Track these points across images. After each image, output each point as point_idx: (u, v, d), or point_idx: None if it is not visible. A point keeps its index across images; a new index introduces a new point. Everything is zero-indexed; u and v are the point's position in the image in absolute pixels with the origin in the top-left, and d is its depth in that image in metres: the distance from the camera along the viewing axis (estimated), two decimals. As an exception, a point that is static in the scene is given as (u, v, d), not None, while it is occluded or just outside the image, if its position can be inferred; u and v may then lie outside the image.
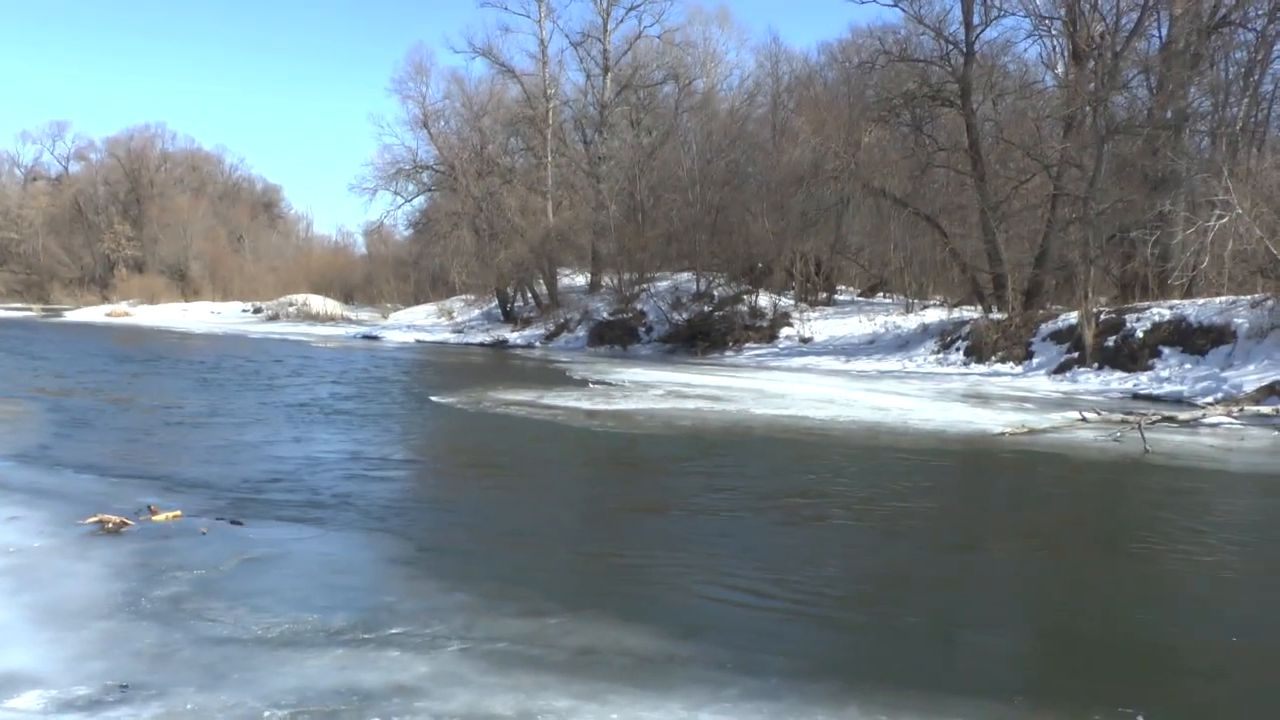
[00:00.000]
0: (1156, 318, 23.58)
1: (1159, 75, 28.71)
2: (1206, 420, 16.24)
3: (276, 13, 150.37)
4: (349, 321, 56.97)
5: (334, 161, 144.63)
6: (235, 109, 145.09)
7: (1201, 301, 23.79)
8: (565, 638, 5.55)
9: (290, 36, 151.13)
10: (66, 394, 18.16)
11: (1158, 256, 26.75)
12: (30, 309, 71.15)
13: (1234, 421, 16.17)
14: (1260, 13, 28.60)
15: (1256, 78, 29.57)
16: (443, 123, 51.71)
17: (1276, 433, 15.20)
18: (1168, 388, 20.76)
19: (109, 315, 63.85)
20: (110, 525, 7.70)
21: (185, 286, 78.71)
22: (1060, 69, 32.75)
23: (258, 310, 64.29)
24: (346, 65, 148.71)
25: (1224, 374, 20.39)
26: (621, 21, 49.23)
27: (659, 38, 49.93)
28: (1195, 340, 22.35)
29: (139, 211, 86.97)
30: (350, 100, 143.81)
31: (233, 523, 8.01)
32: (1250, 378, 19.45)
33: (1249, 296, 22.47)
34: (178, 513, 8.17)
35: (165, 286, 77.08)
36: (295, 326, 54.69)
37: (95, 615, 5.71)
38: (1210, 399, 18.77)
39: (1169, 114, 28.41)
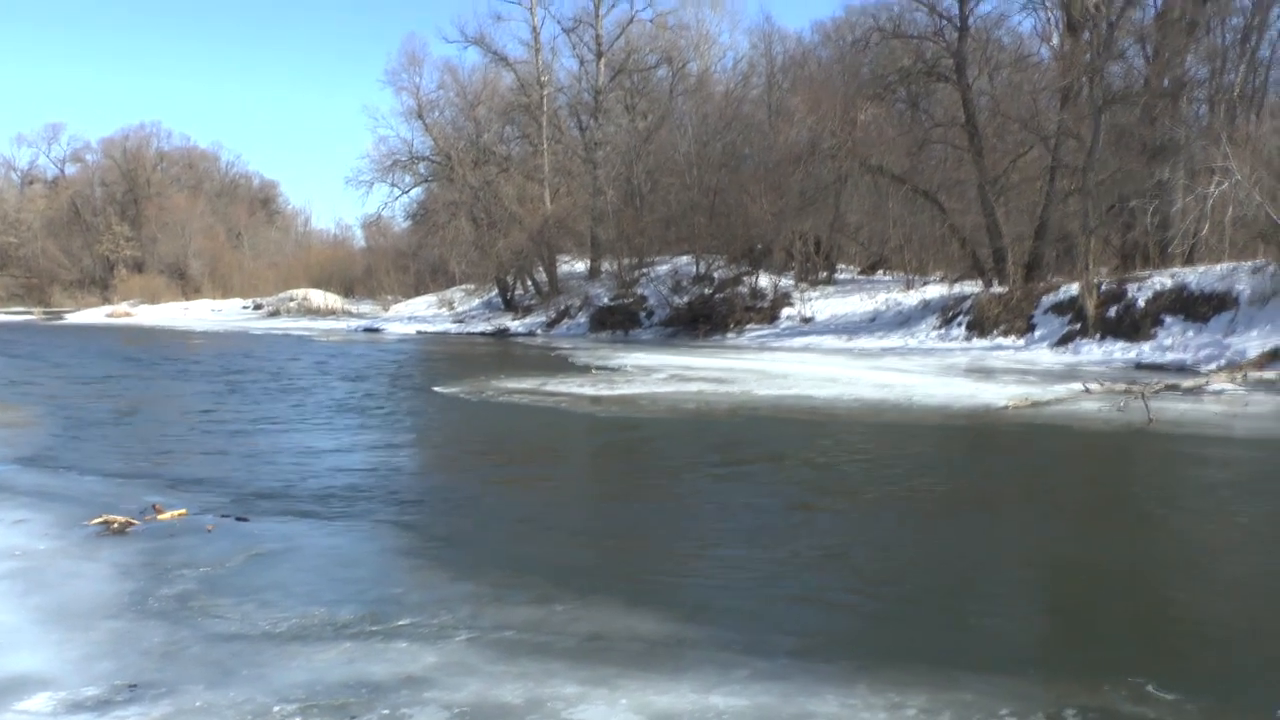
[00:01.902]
0: (1158, 286, 23.56)
1: (1155, 44, 28.60)
2: (1210, 387, 16.24)
3: (267, 7, 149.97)
4: (350, 315, 56.97)
5: (330, 155, 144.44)
6: (230, 105, 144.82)
7: (1203, 269, 23.75)
8: (573, 624, 5.54)
9: (282, 30, 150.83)
10: (69, 396, 18.16)
11: (1158, 225, 26.69)
12: (31, 312, 71.14)
13: (1238, 388, 16.17)
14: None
15: (1253, 43, 29.42)
16: (437, 113, 51.59)
17: (1279, 398, 15.18)
18: (1171, 356, 20.76)
19: (110, 316, 63.84)
20: (116, 525, 7.70)
21: (185, 285, 78.68)
22: (1055, 41, 32.61)
23: (258, 306, 64.27)
24: (339, 58, 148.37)
25: (1226, 340, 20.39)
26: (614, 6, 49.17)
27: (651, 21, 49.82)
28: (1197, 308, 22.34)
29: (137, 211, 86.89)
30: (344, 93, 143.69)
31: (238, 519, 8.01)
32: (1253, 343, 19.45)
33: (1250, 262, 22.45)
34: (183, 511, 8.17)
35: (165, 286, 77.05)
36: (296, 322, 54.70)
37: (103, 615, 5.71)
38: (1213, 366, 18.77)
39: (1166, 82, 28.31)
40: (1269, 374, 16.94)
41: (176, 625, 5.54)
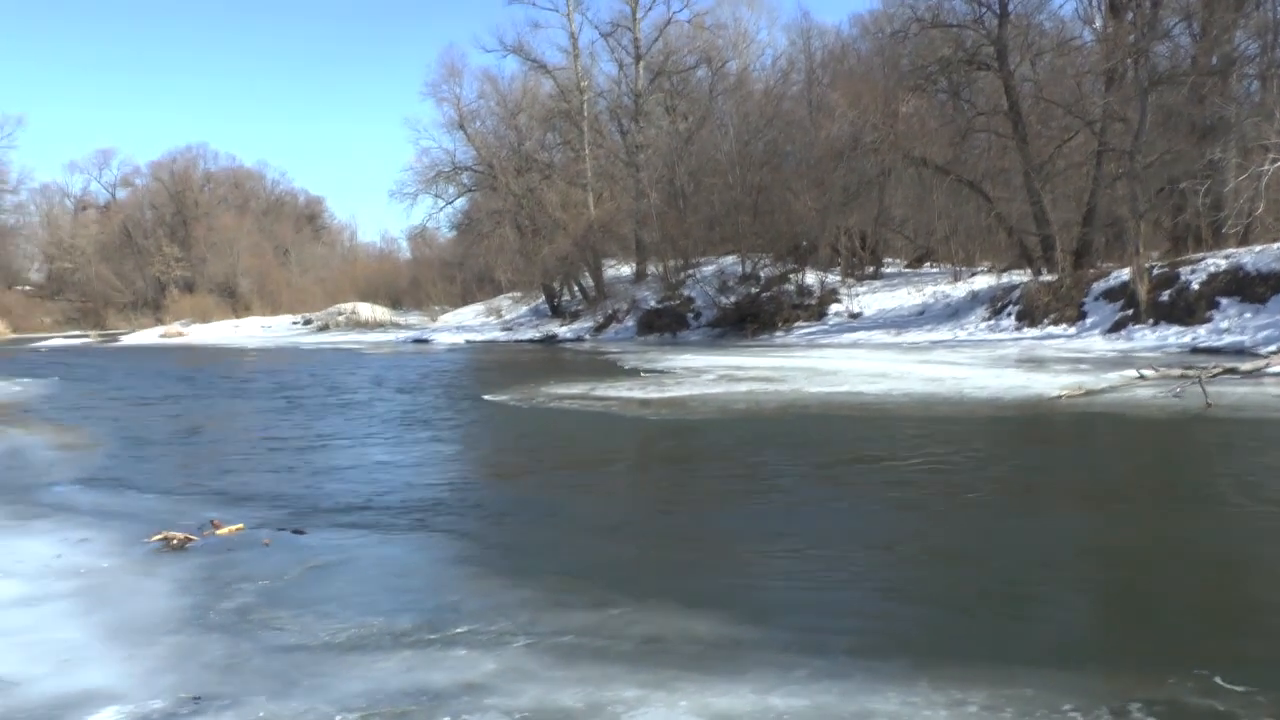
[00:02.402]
0: (1212, 268, 23.20)
1: (1202, 21, 28.16)
2: (1271, 370, 15.94)
3: (306, 24, 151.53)
4: (398, 326, 57.38)
5: (374, 168, 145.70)
6: (274, 123, 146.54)
7: (1259, 248, 23.36)
8: (631, 628, 5.53)
9: (322, 46, 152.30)
10: (126, 416, 18.42)
11: (1210, 206, 26.27)
12: (87, 335, 72.20)
13: (1299, 369, 15.87)
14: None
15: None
16: (479, 123, 51.90)
17: (1343, 378, 14.88)
18: (1228, 339, 20.45)
19: (163, 336, 64.70)
20: (175, 542, 7.80)
21: (235, 303, 79.68)
22: (1098, 23, 32.21)
23: (308, 322, 64.88)
24: (380, 71, 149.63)
25: (1286, 321, 20.03)
26: (650, 9, 49.21)
27: (689, 22, 49.84)
28: (1254, 288, 21.98)
29: (186, 233, 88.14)
30: (386, 106, 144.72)
31: (295, 532, 8.08)
32: (1314, 323, 19.09)
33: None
34: (240, 526, 8.25)
35: (216, 304, 78.07)
36: (345, 335, 55.18)
37: (165, 630, 5.78)
38: (1273, 348, 18.42)
39: (1214, 60, 27.87)
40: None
41: (237, 638, 5.59)
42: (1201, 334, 21.55)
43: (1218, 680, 4.50)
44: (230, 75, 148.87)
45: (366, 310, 62.90)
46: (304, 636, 5.59)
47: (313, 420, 16.40)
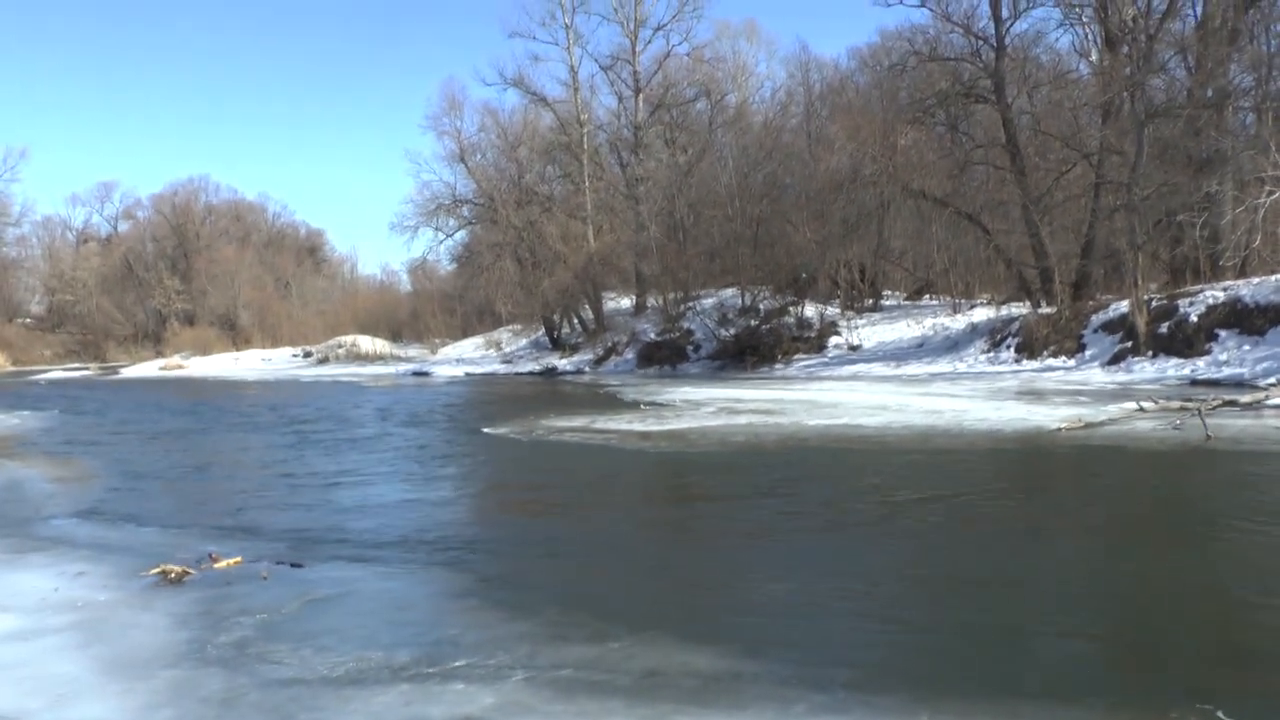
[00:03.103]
0: (1210, 300, 23.24)
1: (1197, 54, 28.33)
2: (1270, 402, 15.94)
3: (306, 58, 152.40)
4: (398, 359, 57.38)
5: (375, 201, 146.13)
6: (275, 157, 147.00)
7: (1256, 281, 23.41)
8: (629, 661, 5.51)
9: (322, 80, 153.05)
10: (124, 449, 18.40)
11: (1207, 238, 26.36)
12: (88, 367, 72.24)
13: (1298, 401, 15.86)
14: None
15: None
16: (479, 155, 52.17)
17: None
18: (1227, 371, 20.46)
19: (163, 369, 64.69)
20: (173, 575, 7.77)
21: (236, 335, 79.74)
22: (1094, 56, 32.43)
23: (308, 354, 64.89)
24: (380, 105, 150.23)
25: (1285, 353, 20.05)
26: (649, 42, 49.59)
27: (688, 55, 50.25)
28: (1253, 320, 22.01)
29: (187, 265, 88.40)
30: (386, 139, 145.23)
31: (293, 566, 8.05)
32: (1313, 355, 19.11)
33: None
34: (238, 559, 8.22)
35: (216, 337, 78.14)
36: (345, 368, 55.18)
37: (162, 664, 5.75)
38: (1273, 380, 18.43)
39: (1210, 93, 28.02)
40: (1329, 385, 16.62)
41: (234, 672, 5.57)
42: (1200, 366, 21.57)
43: (1220, 715, 4.47)
44: (231, 108, 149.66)
45: (366, 343, 62.92)
46: (302, 670, 5.57)
47: (311, 453, 16.37)
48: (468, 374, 44.19)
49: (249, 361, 66.78)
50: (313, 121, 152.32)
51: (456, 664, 5.55)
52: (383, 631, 6.30)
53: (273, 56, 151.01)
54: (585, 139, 49.24)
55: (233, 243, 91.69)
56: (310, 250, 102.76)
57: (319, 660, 5.71)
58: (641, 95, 49.48)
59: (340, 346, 63.12)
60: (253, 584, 7.55)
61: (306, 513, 10.72)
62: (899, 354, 30.83)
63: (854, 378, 27.63)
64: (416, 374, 46.13)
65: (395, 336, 66.37)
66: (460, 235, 55.37)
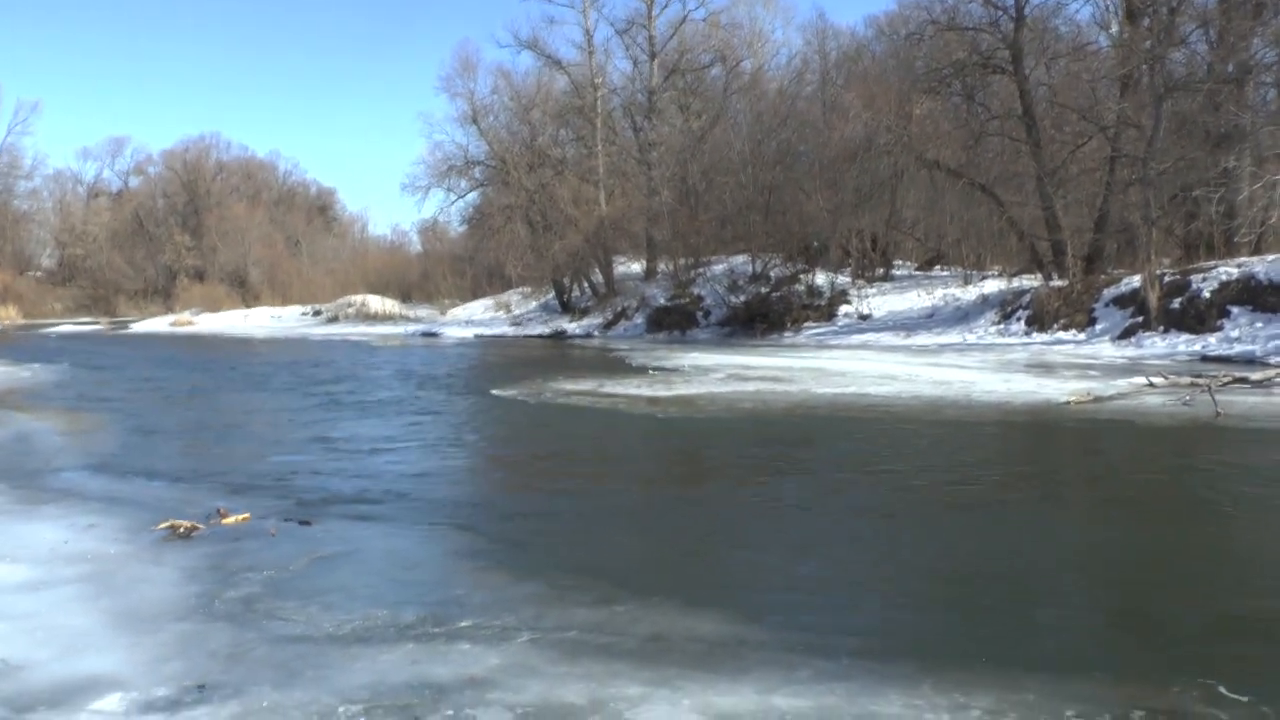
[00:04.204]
0: (1224, 277, 23.12)
1: (1219, 28, 28.02)
2: (1280, 380, 15.88)
3: (320, 16, 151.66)
4: (407, 320, 57.36)
5: (386, 161, 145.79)
6: (286, 114, 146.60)
7: (1271, 258, 23.27)
8: (635, 625, 5.54)
9: (336, 38, 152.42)
10: (135, 403, 18.47)
11: (1223, 214, 26.16)
12: (98, 322, 72.37)
13: (1309, 380, 15.80)
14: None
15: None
16: (492, 117, 51.81)
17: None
18: (1238, 348, 20.37)
19: (173, 325, 64.79)
20: (182, 530, 7.81)
21: (245, 293, 79.78)
22: (1114, 29, 32.10)
23: (317, 313, 64.89)
24: (392, 64, 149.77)
25: (1297, 331, 19.97)
26: (666, 7, 49.17)
27: (704, 20, 49.82)
28: (1266, 298, 21.90)
29: (197, 221, 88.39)
30: (399, 99, 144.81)
31: (301, 523, 8.09)
32: (1325, 334, 19.02)
33: (1320, 251, 21.93)
34: (246, 515, 8.27)
35: (226, 294, 78.18)
36: (355, 327, 55.21)
37: (171, 618, 5.79)
38: (1283, 358, 18.36)
39: (1230, 67, 27.74)
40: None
41: (242, 627, 5.61)
42: (1212, 342, 21.48)
43: (1222, 689, 4.49)
44: (243, 64, 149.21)
45: (376, 303, 62.89)
46: (308, 627, 5.60)
47: (320, 411, 16.42)
48: (477, 336, 44.19)
49: (258, 319, 66.82)
50: (326, 81, 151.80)
51: (462, 624, 5.58)
52: (389, 590, 6.34)
53: (287, 14, 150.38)
54: (599, 103, 48.96)
55: (243, 200, 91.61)
56: (321, 209, 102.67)
57: (325, 617, 5.74)
58: (656, 60, 49.13)
59: (350, 306, 63.09)
60: (261, 540, 7.60)
61: (315, 471, 10.76)
62: (909, 324, 30.76)
63: (863, 346, 27.58)
64: (425, 335, 46.13)
65: (405, 297, 66.31)
66: (471, 197, 55.17)
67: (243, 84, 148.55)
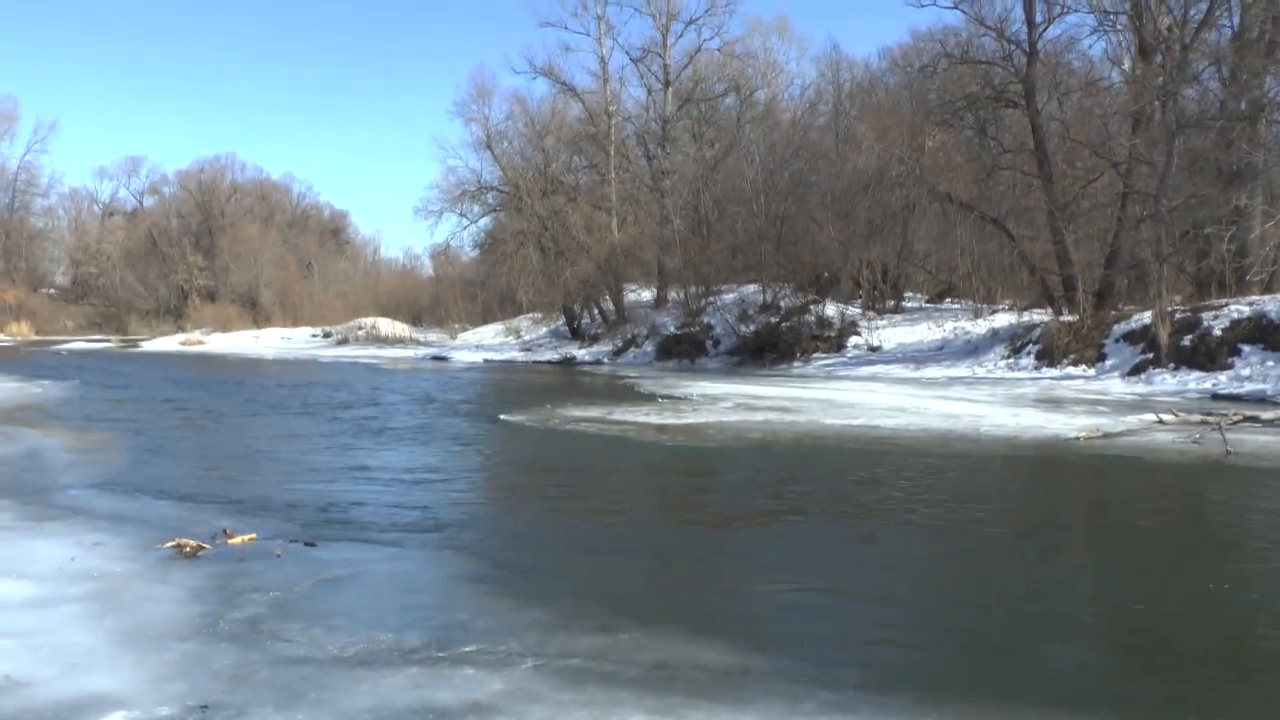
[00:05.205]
0: (1235, 315, 23.06)
1: (1232, 66, 28.06)
2: (1291, 419, 15.83)
3: (338, 40, 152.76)
4: (417, 343, 57.50)
5: (400, 185, 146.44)
6: (301, 137, 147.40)
7: (1283, 296, 23.22)
8: (639, 653, 5.52)
9: (352, 63, 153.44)
10: (143, 421, 18.52)
11: (1235, 252, 26.14)
12: (109, 340, 72.72)
13: (1320, 419, 15.75)
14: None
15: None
16: (506, 143, 52.11)
17: (1365, 429, 14.78)
18: (1249, 386, 20.30)
19: (183, 344, 65.05)
20: (188, 549, 7.82)
21: (257, 314, 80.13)
22: (1127, 64, 32.18)
23: (327, 335, 65.09)
24: (408, 89, 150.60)
25: (1308, 371, 19.91)
26: (681, 36, 49.48)
27: (719, 50, 50.07)
28: (1277, 336, 21.84)
29: (211, 242, 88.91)
30: (414, 123, 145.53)
31: (306, 544, 8.09)
32: (1336, 374, 18.97)
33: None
34: (253, 536, 8.27)
35: (237, 314, 78.52)
36: (364, 350, 55.33)
37: (175, 637, 5.79)
38: (1294, 397, 18.30)
39: (1243, 105, 27.77)
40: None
41: (246, 648, 5.60)
42: (1222, 380, 21.41)
43: (1229, 729, 4.47)
44: (260, 86, 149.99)
45: (386, 325, 63.08)
46: (312, 649, 5.60)
47: (328, 433, 16.45)
48: (486, 360, 44.24)
49: (269, 340, 67.04)
50: (342, 104, 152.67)
51: (466, 649, 5.57)
52: (393, 614, 6.33)
53: (304, 37, 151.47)
54: (613, 130, 49.19)
55: (257, 221, 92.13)
56: (334, 232, 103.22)
57: (329, 640, 5.74)
58: (671, 88, 49.38)
59: (360, 328, 63.29)
60: (266, 561, 7.60)
61: (321, 493, 10.77)
62: (918, 356, 30.71)
63: (872, 378, 27.55)
64: (435, 358, 46.22)
65: (416, 320, 66.50)
66: (484, 222, 55.42)
67: (259, 105, 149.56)
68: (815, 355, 33.74)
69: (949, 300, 39.15)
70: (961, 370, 27.79)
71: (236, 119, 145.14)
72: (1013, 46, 31.38)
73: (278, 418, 19.38)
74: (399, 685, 5.05)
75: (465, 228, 57.16)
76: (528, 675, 5.18)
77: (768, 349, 34.94)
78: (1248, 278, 25.83)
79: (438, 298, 68.03)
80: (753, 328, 36.71)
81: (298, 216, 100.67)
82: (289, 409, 21.05)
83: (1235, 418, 15.34)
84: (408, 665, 5.33)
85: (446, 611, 6.44)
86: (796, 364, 33.30)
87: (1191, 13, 28.44)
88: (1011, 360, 27.59)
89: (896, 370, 29.06)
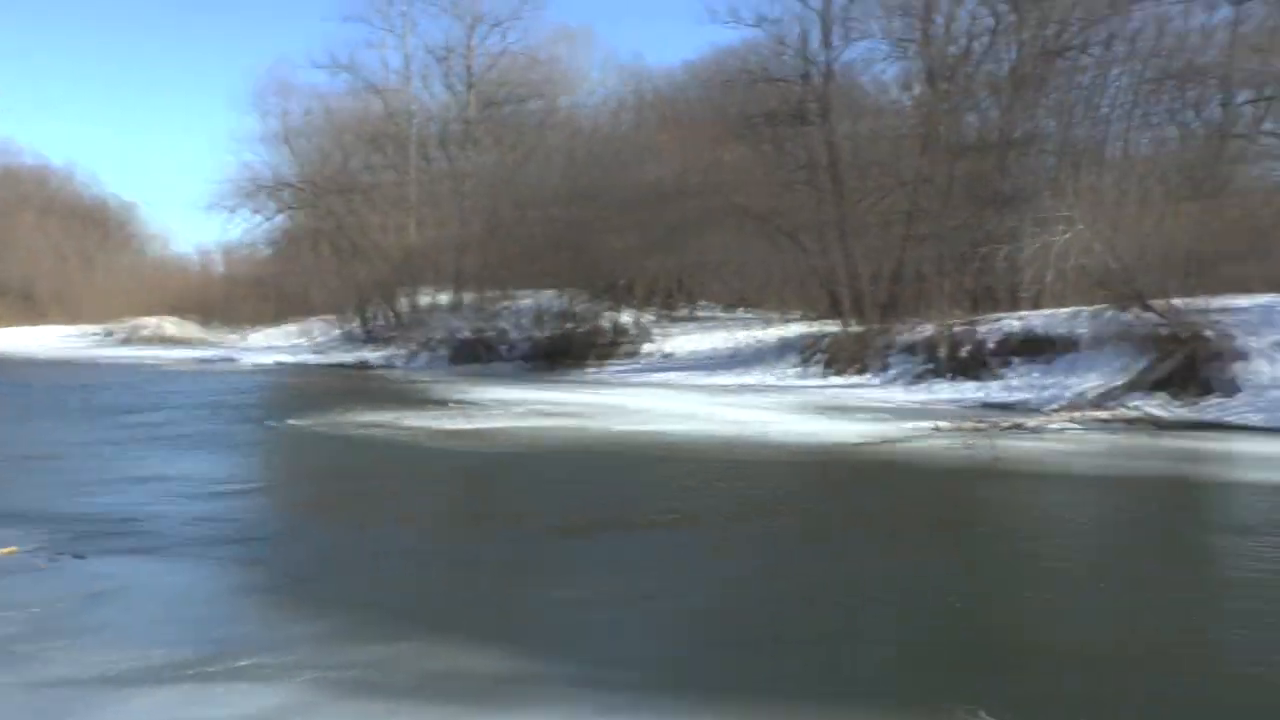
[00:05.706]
0: (1007, 329, 24.43)
1: (1008, 97, 29.73)
2: (1051, 426, 16.91)
3: (125, 25, 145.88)
4: (206, 343, 55.39)
5: (194, 179, 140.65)
6: (86, 126, 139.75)
7: (1048, 313, 24.70)
8: (421, 661, 5.49)
9: (142, 49, 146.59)
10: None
11: (1008, 270, 27.65)
12: None
13: (1077, 427, 16.88)
14: (1098, 40, 29.85)
15: (1097, 101, 30.81)
16: (303, 139, 50.76)
17: (1114, 437, 15.92)
18: (1017, 395, 21.50)
19: (-59, 342, 60.90)
20: (-59, 562, 7.35)
21: (31, 309, 75.50)
22: (917, 90, 33.66)
23: (109, 334, 62.02)
24: (203, 78, 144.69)
25: (1068, 381, 21.26)
26: (485, 38, 49.20)
27: (524, 54, 49.96)
28: (1042, 349, 23.22)
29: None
30: (210, 115, 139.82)
31: (75, 557, 7.70)
32: (1092, 384, 20.31)
33: (1090, 307, 23.38)
34: (13, 548, 7.82)
35: (8, 309, 73.81)
36: (150, 350, 52.87)
37: (-79, 658, 5.44)
38: (1055, 406, 19.50)
39: (1018, 133, 29.44)
40: (1103, 414, 17.75)
41: None
42: (994, 390, 22.61)
43: (983, 714, 4.73)
44: (40, 73, 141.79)
45: (174, 325, 60.54)
46: (76, 668, 5.34)
47: (100, 438, 15.68)
48: (277, 362, 42.93)
49: (45, 337, 63.39)
50: (128, 94, 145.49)
51: (244, 663, 5.42)
52: (168, 628, 6.11)
53: (94, 23, 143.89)
54: (414, 130, 48.57)
55: (33, 210, 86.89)
56: (120, 224, 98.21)
57: (97, 658, 5.48)
58: (474, 90, 49.08)
59: (145, 327, 60.52)
60: (29, 575, 7.20)
61: (91, 500, 10.27)
62: (711, 364, 31.34)
63: (665, 385, 27.96)
64: (224, 360, 44.58)
65: (206, 320, 64.00)
66: (278, 220, 53.81)
67: (40, 92, 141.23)
68: (610, 361, 34.05)
69: (743, 310, 40.04)
70: (753, 378, 28.49)
71: (12, 105, 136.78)
72: (811, 66, 32.41)
73: (45, 421, 18.39)
74: (170, 701, 4.89)
75: (259, 225, 55.38)
76: (306, 687, 5.08)
77: (563, 354, 35.06)
78: (1020, 294, 27.36)
79: (229, 297, 65.57)
80: (548, 333, 36.82)
81: (80, 207, 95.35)
82: (60, 412, 19.99)
83: (1005, 425, 16.32)
84: (180, 682, 5.15)
85: (226, 624, 6.25)
86: (591, 370, 33.52)
87: (975, 44, 30.03)
88: (802, 369, 28.47)
89: (689, 377, 29.57)
